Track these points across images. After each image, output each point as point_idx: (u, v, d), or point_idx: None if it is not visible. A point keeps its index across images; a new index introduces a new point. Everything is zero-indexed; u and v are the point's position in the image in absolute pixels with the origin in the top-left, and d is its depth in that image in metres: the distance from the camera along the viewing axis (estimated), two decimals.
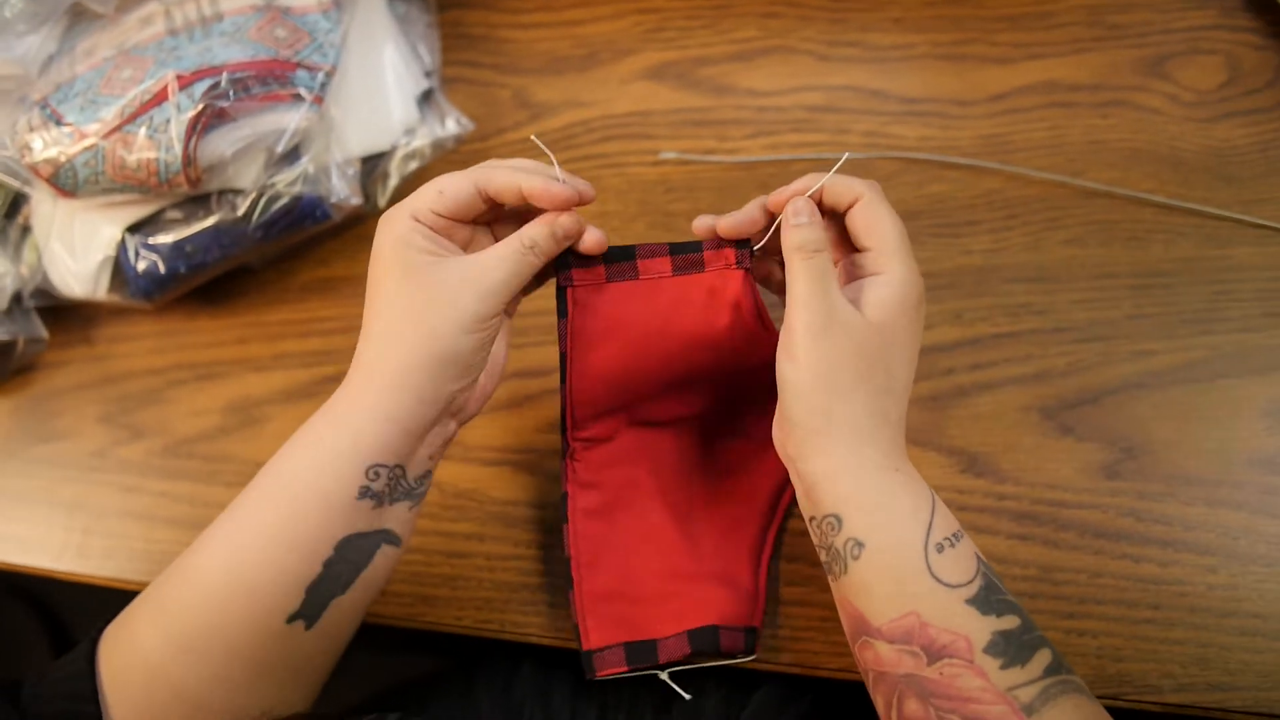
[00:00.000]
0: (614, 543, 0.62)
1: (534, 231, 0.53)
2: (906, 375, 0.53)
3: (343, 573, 0.51)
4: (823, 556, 0.52)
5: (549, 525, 0.68)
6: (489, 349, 0.53)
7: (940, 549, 0.48)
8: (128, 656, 0.50)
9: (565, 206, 0.53)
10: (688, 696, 0.61)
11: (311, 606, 0.50)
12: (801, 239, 0.52)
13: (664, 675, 0.60)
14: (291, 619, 0.50)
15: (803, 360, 0.50)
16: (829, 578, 0.52)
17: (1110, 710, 0.46)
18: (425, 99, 0.82)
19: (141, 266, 0.73)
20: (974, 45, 0.80)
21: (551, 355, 0.72)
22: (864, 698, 0.51)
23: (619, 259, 0.56)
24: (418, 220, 0.52)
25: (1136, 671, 0.59)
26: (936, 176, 0.76)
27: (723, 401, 0.63)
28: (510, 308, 0.56)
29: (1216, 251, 0.70)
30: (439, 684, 0.71)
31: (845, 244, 0.56)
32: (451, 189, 0.52)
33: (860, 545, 0.49)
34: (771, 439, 0.55)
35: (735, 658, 0.60)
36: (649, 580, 0.61)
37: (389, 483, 0.51)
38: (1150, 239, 0.71)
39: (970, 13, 0.81)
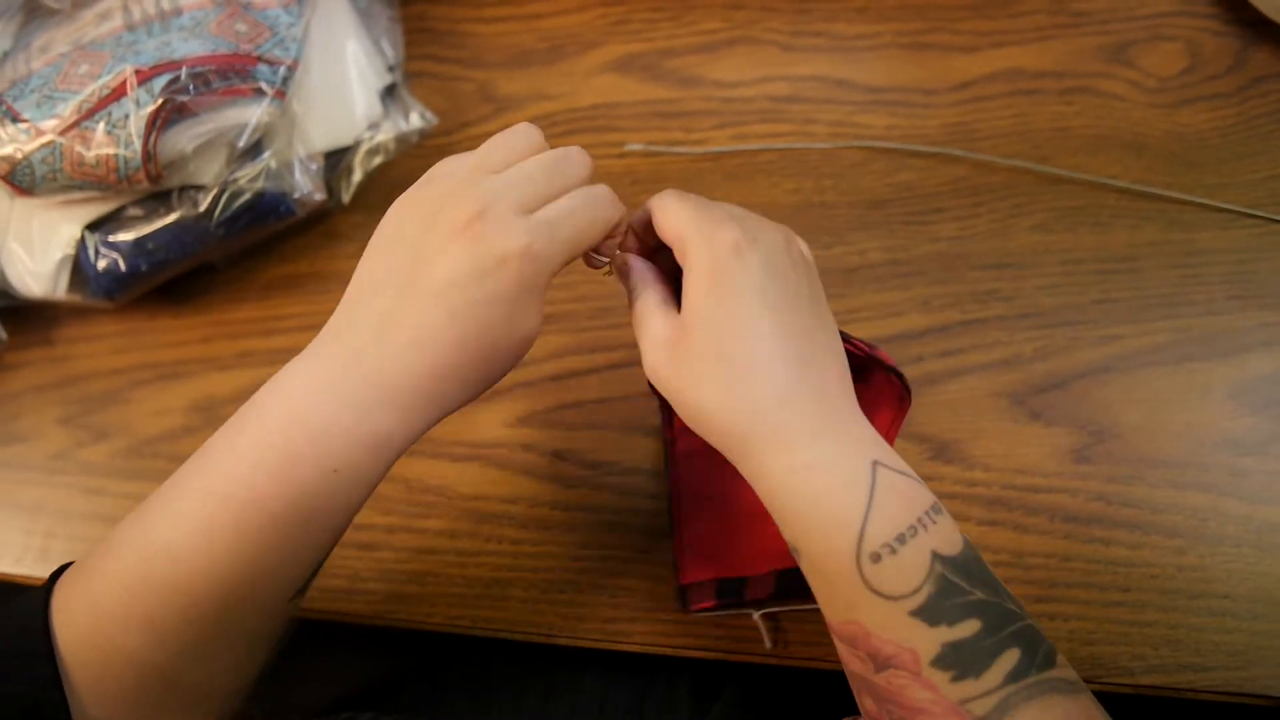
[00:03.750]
0: (714, 485, 0.62)
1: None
2: (756, 354, 0.46)
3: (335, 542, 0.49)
4: None
5: (520, 520, 0.68)
6: None
7: (877, 558, 0.43)
8: (107, 657, 0.45)
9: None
10: (769, 644, 0.59)
11: (310, 580, 0.49)
12: (629, 291, 0.51)
13: (756, 616, 0.60)
14: (294, 598, 0.48)
15: (668, 391, 0.48)
16: None
17: None
18: (389, 94, 0.81)
19: (102, 265, 0.72)
20: (938, 34, 0.80)
21: None
22: None
23: None
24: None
25: (1108, 654, 0.60)
26: (903, 165, 0.76)
27: None
28: None
29: (1181, 236, 0.70)
30: (411, 683, 0.71)
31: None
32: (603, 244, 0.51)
33: (796, 551, 0.46)
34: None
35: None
36: (742, 519, 0.62)
37: None
38: (1115, 224, 0.71)
39: (934, 1, 0.82)
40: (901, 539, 0.43)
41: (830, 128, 0.79)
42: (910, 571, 0.43)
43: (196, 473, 0.47)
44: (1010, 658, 0.41)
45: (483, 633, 0.66)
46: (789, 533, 0.46)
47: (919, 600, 0.42)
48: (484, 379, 0.48)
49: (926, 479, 0.64)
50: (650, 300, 0.50)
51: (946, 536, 0.44)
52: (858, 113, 0.79)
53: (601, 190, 0.50)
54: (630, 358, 0.72)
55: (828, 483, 0.44)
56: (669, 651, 0.64)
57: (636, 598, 0.65)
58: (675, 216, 0.48)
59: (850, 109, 0.79)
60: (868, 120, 0.78)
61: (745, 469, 0.46)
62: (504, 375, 0.49)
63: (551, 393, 0.72)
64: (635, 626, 0.65)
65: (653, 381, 0.48)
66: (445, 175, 0.49)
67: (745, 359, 0.46)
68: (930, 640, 0.42)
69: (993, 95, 0.78)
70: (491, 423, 0.72)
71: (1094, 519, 0.63)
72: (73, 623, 0.45)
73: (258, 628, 0.48)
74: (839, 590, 0.44)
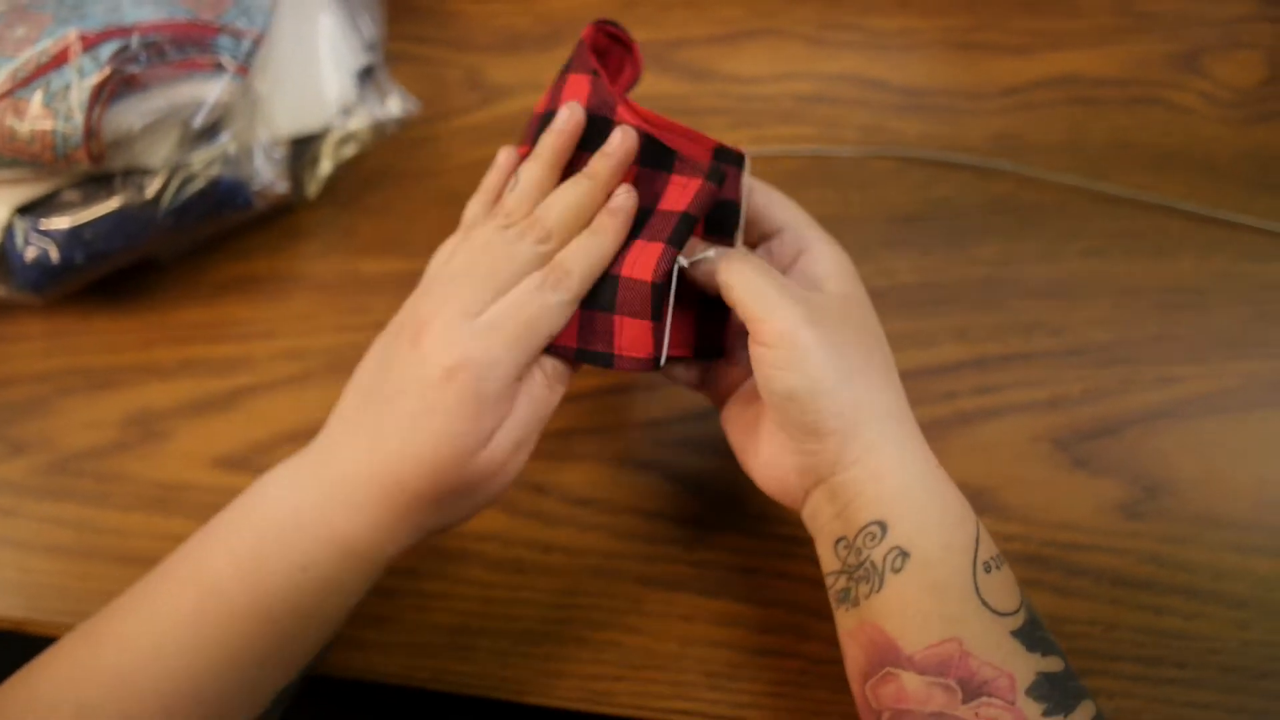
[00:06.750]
0: None
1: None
2: (889, 349, 0.55)
3: (313, 665, 0.54)
4: (840, 585, 0.51)
5: (492, 561, 0.68)
6: None
7: (988, 568, 0.47)
8: None
9: None
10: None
11: (275, 707, 0.53)
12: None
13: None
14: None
15: (808, 362, 0.50)
16: (844, 608, 0.50)
17: None
18: (365, 76, 0.82)
19: (31, 255, 0.72)
20: (987, 32, 0.81)
21: None
22: None
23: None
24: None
25: None
26: (941, 178, 0.77)
27: None
28: None
29: (1254, 267, 0.71)
30: None
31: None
32: None
33: (904, 555, 0.48)
34: None
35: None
36: None
37: None
38: (1180, 252, 0.72)
39: None
40: (1000, 558, 0.49)
41: (860, 133, 0.79)
42: (1011, 590, 0.48)
43: (166, 572, 0.52)
44: (1089, 708, 0.45)
45: (445, 687, 0.66)
46: (908, 531, 0.48)
47: (1019, 621, 0.46)
48: (449, 494, 0.53)
49: None
50: (770, 267, 0.54)
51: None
52: (892, 117, 0.80)
53: (549, 278, 0.54)
54: (626, 383, 0.73)
55: (951, 485, 0.51)
56: (659, 717, 0.64)
57: (624, 653, 0.65)
58: (795, 204, 0.60)
59: (883, 113, 0.80)
60: (902, 126, 0.79)
61: (875, 460, 0.50)
62: (481, 496, 0.55)
63: None
64: (621, 686, 0.64)
65: (797, 338, 0.50)
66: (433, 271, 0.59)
67: (890, 351, 0.55)
68: (1027, 666, 0.45)
69: (1045, 103, 0.78)
70: None
71: (1145, 583, 0.63)
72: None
73: None
74: (948, 599, 0.47)
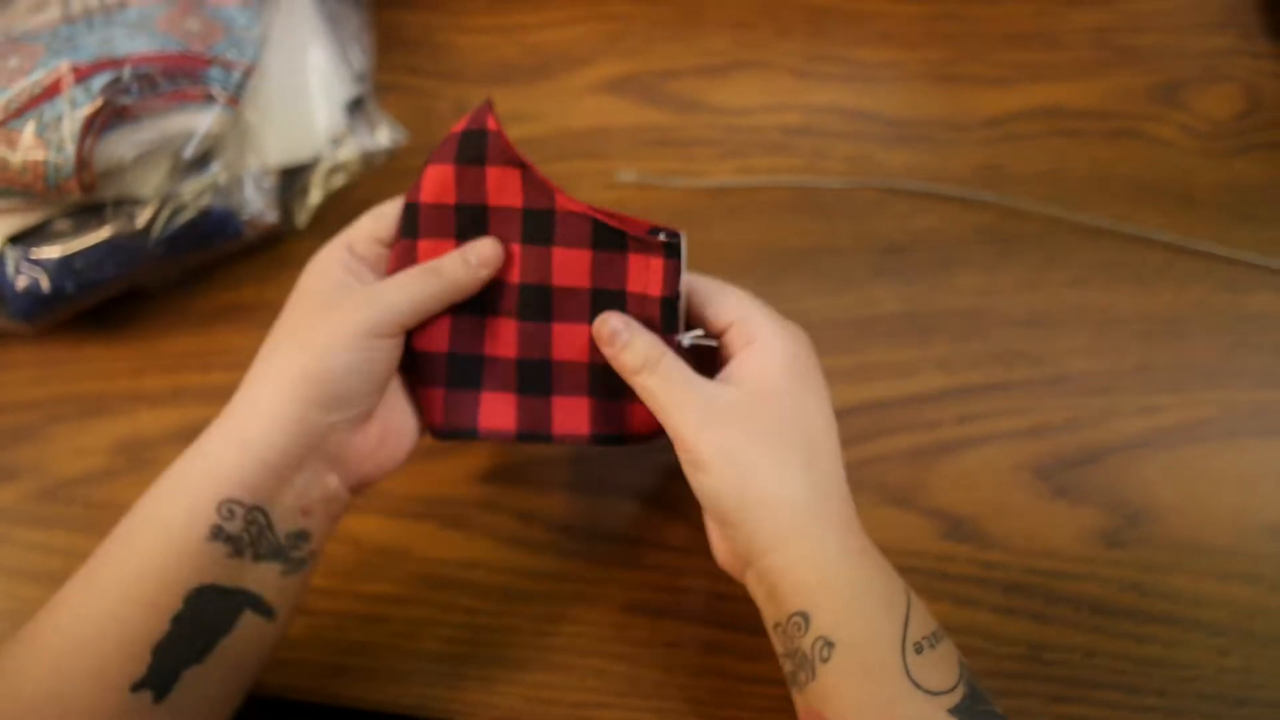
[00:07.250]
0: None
1: (445, 257, 0.58)
2: (829, 442, 0.54)
3: (195, 636, 0.49)
4: (787, 668, 0.52)
5: (478, 588, 0.68)
6: (374, 381, 0.55)
7: (919, 649, 0.47)
8: None
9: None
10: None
11: (160, 674, 0.48)
12: (634, 358, 0.55)
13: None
14: (137, 687, 0.48)
15: (712, 462, 0.51)
16: (793, 692, 0.52)
17: None
18: (355, 107, 0.83)
19: (22, 284, 0.73)
20: (969, 65, 0.82)
21: None
22: None
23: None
24: (351, 251, 0.58)
25: None
26: (924, 208, 0.78)
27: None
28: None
29: (1232, 297, 0.72)
30: None
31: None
32: (391, 210, 0.60)
33: (830, 644, 0.48)
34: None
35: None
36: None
37: (247, 526, 0.51)
38: (1159, 282, 0.73)
39: (966, 29, 0.84)
40: (936, 636, 0.49)
41: (845, 164, 0.80)
42: (947, 668, 0.48)
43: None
44: None
45: (432, 715, 0.66)
46: (831, 620, 0.49)
47: (957, 698, 0.46)
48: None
49: (939, 558, 0.65)
50: (682, 362, 0.55)
51: (957, 650, 0.49)
52: (876, 148, 0.80)
53: None
54: None
55: (877, 569, 0.51)
56: None
57: (608, 681, 0.65)
58: (743, 295, 0.57)
59: (868, 144, 0.81)
60: (887, 157, 0.80)
61: (786, 552, 0.50)
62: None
63: (519, 448, 0.73)
64: (606, 714, 0.64)
65: (697, 441, 0.52)
66: None
67: (823, 441, 0.54)
68: None
69: (1027, 134, 0.79)
70: (451, 478, 0.72)
71: (1125, 611, 0.64)
72: None
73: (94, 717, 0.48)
74: (877, 685, 0.47)
